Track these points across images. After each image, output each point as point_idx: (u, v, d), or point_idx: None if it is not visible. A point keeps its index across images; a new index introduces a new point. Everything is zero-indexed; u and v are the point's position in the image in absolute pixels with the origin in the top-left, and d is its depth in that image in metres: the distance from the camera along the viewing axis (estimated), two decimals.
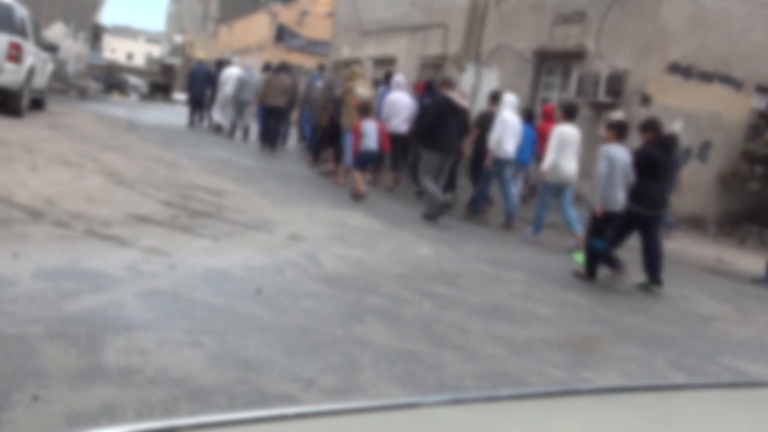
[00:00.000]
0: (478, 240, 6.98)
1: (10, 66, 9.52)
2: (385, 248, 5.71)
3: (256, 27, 27.74)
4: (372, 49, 18.84)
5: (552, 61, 12.59)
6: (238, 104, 13.47)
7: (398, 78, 9.79)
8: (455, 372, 3.12)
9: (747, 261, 8.38)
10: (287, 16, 26.07)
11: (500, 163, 7.92)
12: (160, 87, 28.67)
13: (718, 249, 9.11)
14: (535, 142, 8.39)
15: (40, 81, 11.31)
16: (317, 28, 25.22)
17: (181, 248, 4.49)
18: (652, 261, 5.71)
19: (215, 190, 7.04)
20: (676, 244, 8.71)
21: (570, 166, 7.07)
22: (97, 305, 3.17)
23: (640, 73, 10.52)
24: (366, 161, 8.57)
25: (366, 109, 8.57)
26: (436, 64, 15.91)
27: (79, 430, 1.96)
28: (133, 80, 29.51)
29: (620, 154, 5.64)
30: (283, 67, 12.55)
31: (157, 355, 2.72)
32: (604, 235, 5.68)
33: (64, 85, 17.06)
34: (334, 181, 9.38)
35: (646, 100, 10.38)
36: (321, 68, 13.83)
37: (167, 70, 32.08)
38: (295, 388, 2.64)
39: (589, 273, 5.77)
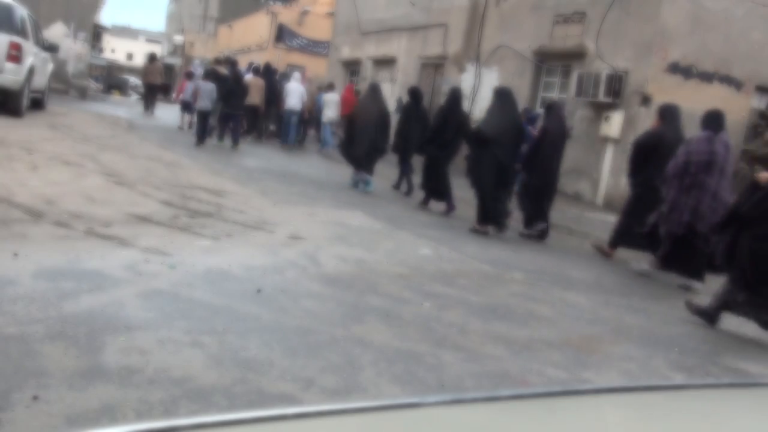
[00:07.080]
0: (478, 240, 6.99)
1: (10, 66, 9.52)
2: (385, 248, 5.71)
3: (256, 27, 27.71)
4: (372, 49, 18.82)
5: (552, 61, 12.59)
6: None
7: (296, 74, 15.05)
8: (455, 372, 3.11)
9: None
10: (287, 16, 26.07)
11: (288, 113, 14.04)
12: (160, 87, 28.61)
13: None
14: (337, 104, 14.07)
15: (40, 81, 11.31)
16: (317, 28, 25.22)
17: (181, 248, 4.48)
18: (233, 133, 11.90)
19: (215, 190, 7.04)
20: None
21: (329, 113, 13.98)
22: (97, 305, 3.17)
23: (640, 73, 10.52)
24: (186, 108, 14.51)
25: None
26: (436, 64, 15.90)
27: (79, 430, 1.96)
28: (133, 80, 29.50)
29: (205, 85, 11.42)
30: (154, 58, 18.34)
31: (157, 355, 2.71)
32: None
33: (64, 85, 17.05)
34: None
35: (646, 100, 10.38)
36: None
37: (167, 70, 32.05)
38: (295, 388, 2.63)
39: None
